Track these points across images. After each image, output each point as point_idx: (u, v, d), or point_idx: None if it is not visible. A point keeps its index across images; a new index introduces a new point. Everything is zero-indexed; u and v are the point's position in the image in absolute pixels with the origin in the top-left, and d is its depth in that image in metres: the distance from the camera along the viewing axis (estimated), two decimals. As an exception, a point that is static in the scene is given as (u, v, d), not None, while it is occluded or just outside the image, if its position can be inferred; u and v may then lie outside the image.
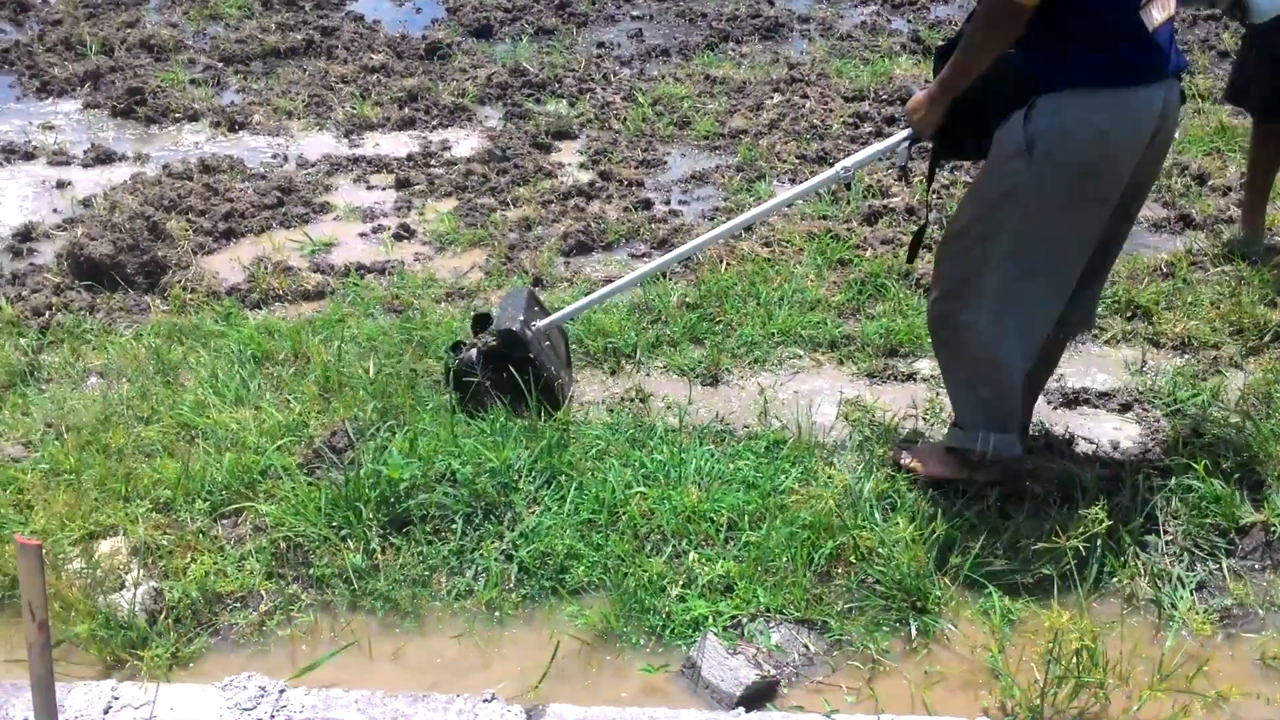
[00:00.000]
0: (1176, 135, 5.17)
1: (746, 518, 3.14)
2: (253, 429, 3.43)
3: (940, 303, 3.19)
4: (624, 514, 3.14)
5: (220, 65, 8.22)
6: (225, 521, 3.13)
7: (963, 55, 2.88)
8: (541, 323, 3.64)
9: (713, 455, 3.44)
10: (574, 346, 4.19)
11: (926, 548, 2.93)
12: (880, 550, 2.96)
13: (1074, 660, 2.51)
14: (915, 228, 4.64)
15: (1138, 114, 2.85)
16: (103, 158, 6.17)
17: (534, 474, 3.27)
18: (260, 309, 4.47)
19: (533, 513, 3.17)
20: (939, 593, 2.85)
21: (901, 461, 3.35)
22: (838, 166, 3.40)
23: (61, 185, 5.78)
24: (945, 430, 3.42)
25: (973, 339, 3.09)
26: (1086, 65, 2.80)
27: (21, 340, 4.06)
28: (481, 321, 3.68)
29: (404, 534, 3.07)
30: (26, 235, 5.05)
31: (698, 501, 3.17)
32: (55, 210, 5.44)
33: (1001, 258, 2.97)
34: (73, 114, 7.20)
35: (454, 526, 3.08)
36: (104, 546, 2.94)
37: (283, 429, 3.44)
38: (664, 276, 4.83)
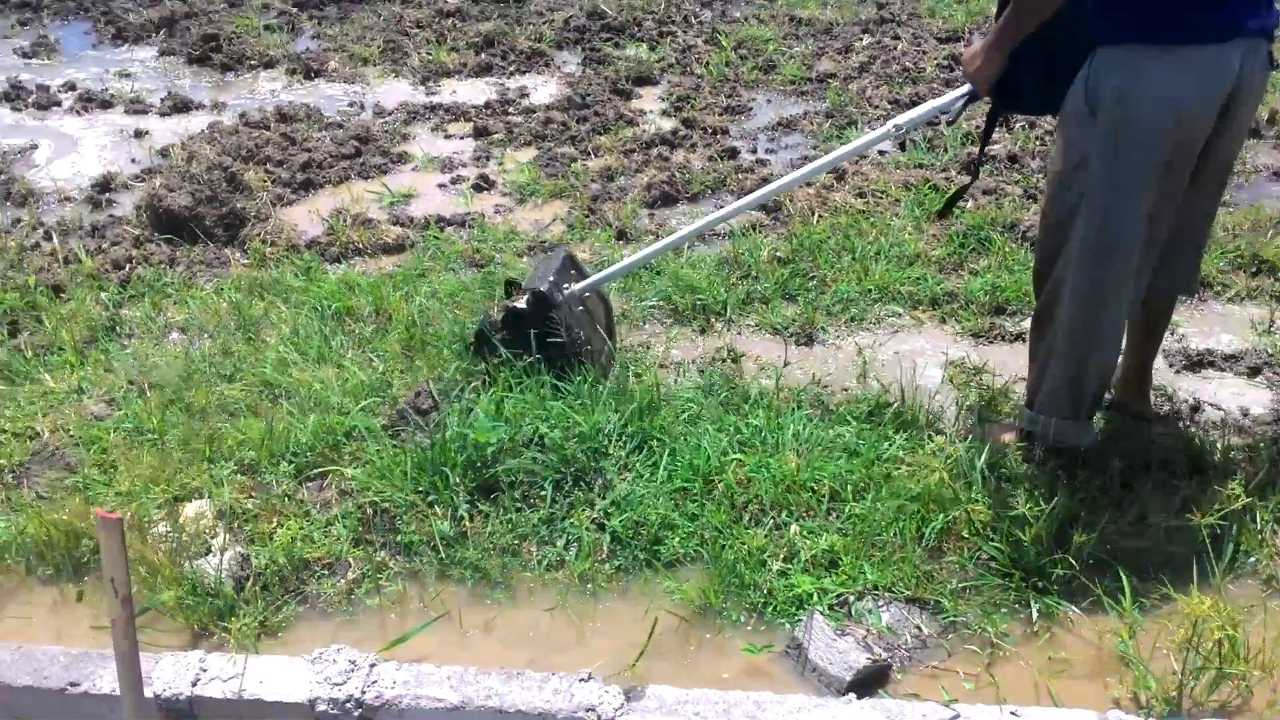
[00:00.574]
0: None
1: (849, 488, 2.99)
2: (336, 388, 3.35)
3: (1035, 280, 3.02)
4: (720, 482, 3.01)
5: (294, 10, 8.16)
6: (310, 485, 3.07)
7: (1017, 6, 2.65)
8: (577, 285, 3.47)
9: (811, 420, 3.28)
10: (661, 303, 4.05)
11: (1045, 523, 2.75)
12: (995, 525, 2.79)
13: (1215, 650, 2.33)
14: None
15: (1207, 76, 2.58)
16: (180, 106, 6.14)
17: (624, 439, 3.15)
18: (340, 263, 4.39)
19: (624, 479, 3.05)
20: (1061, 572, 2.67)
21: (991, 438, 3.17)
22: (890, 124, 3.17)
23: (139, 134, 5.76)
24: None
25: (1051, 321, 2.91)
26: (1148, 19, 2.55)
27: (103, 294, 4.03)
28: (512, 287, 3.53)
29: (492, 500, 2.98)
30: (105, 186, 5.04)
31: (797, 470, 3.03)
32: (134, 160, 5.42)
33: (1080, 239, 2.76)
34: (149, 61, 7.19)
35: (543, 493, 2.97)
36: (189, 510, 2.89)
37: (366, 389, 3.36)
38: (754, 229, 4.66)
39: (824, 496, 2.96)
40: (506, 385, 3.28)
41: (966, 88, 2.99)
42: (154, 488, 2.97)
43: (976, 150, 3.25)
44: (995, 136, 5.51)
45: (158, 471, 3.02)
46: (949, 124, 3.07)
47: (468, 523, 2.91)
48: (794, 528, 2.86)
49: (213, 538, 2.80)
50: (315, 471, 3.08)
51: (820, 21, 7.78)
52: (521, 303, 3.33)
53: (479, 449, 3.02)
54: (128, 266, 4.20)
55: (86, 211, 4.84)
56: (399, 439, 3.17)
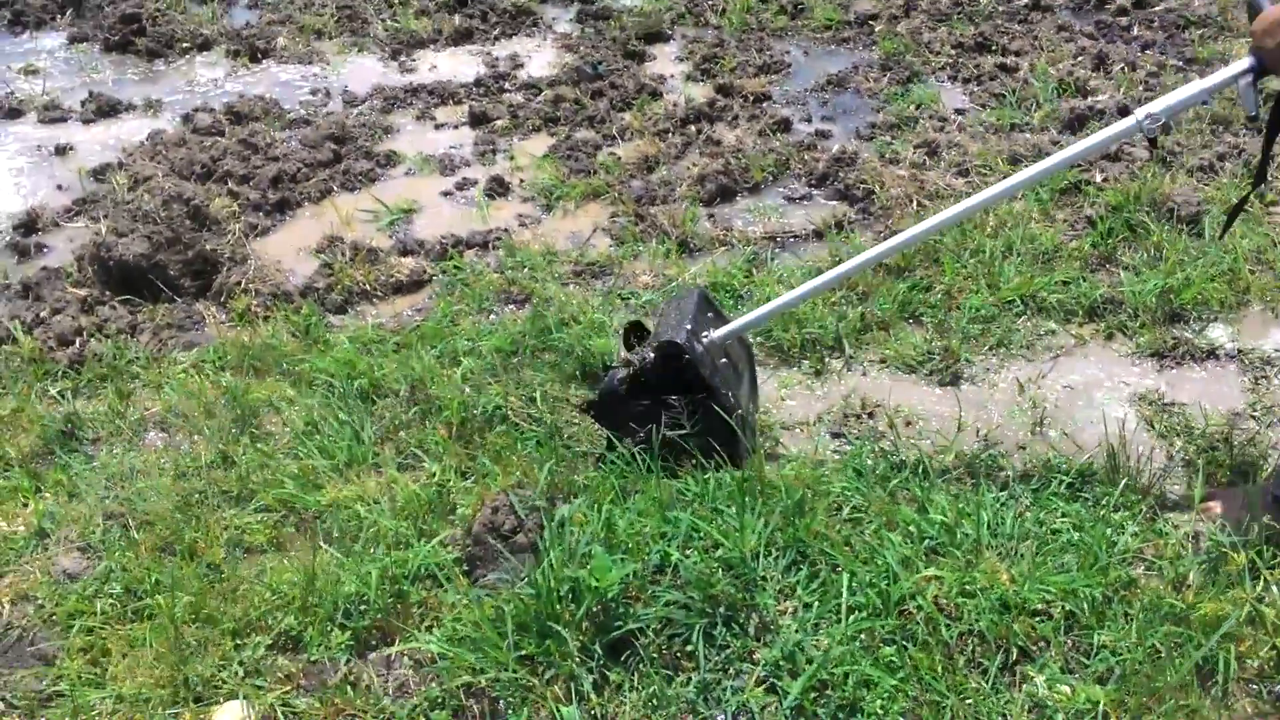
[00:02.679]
0: None
1: (1086, 606, 2.39)
2: (385, 508, 2.69)
3: None
4: (916, 611, 2.40)
5: (223, -25, 7.28)
6: (375, 659, 2.42)
7: None
8: (718, 332, 2.84)
9: (1001, 503, 2.68)
10: (760, 339, 3.42)
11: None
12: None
13: None
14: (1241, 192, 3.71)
15: None
16: (106, 110, 5.35)
17: (774, 555, 2.53)
18: (345, 312, 3.71)
19: (785, 614, 2.43)
20: None
21: (1206, 513, 2.60)
22: (1139, 113, 2.49)
23: (61, 151, 4.98)
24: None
25: None
26: None
27: (52, 386, 3.31)
28: (637, 332, 2.88)
29: (623, 663, 2.35)
30: (31, 227, 4.28)
31: (1010, 585, 2.43)
32: (60, 187, 4.65)
33: None
34: (58, 52, 6.35)
35: (690, 648, 2.35)
36: (221, 718, 2.24)
37: (422, 505, 2.71)
38: (838, 227, 4.03)
39: (1059, 623, 2.37)
40: (614, 490, 2.64)
41: (1244, 64, 2.35)
42: (163, 689, 2.31)
43: (1260, 151, 2.60)
44: (1093, 83, 4.90)
45: (167, 660, 2.35)
46: (1250, 118, 2.39)
47: (596, 701, 2.29)
48: (1039, 678, 2.26)
49: (261, 764, 2.15)
50: (378, 640, 2.43)
51: (840, -51, 7.07)
52: (639, 357, 2.69)
53: (598, 593, 2.38)
54: (78, 341, 3.48)
55: (11, 263, 4.08)
56: (481, 580, 2.53)
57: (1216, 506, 2.65)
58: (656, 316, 2.93)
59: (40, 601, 2.58)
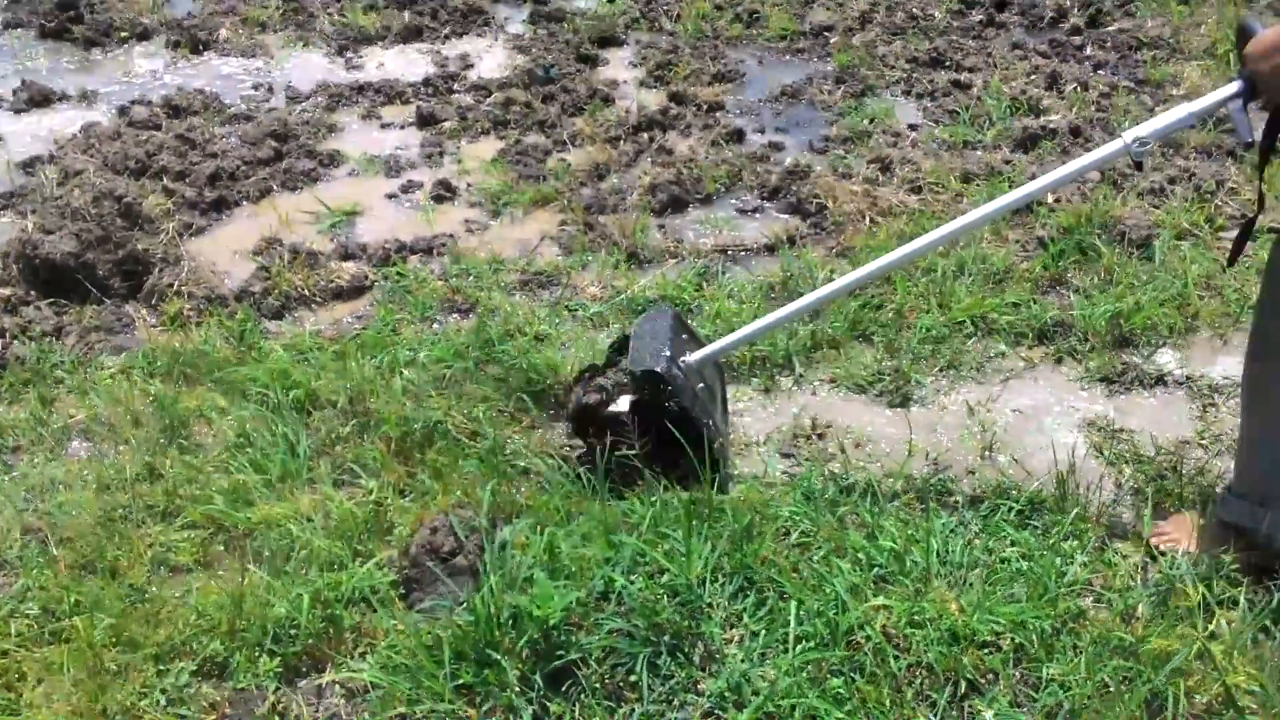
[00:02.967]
0: None
1: (1035, 638, 2.36)
2: (318, 527, 2.60)
3: (1253, 364, 2.43)
4: (865, 640, 2.36)
5: (165, -37, 7.10)
6: (304, 684, 2.33)
7: None
8: (694, 357, 2.79)
9: (951, 529, 2.66)
10: (709, 356, 3.37)
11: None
12: (1255, 690, 2.21)
13: None
14: (1244, 219, 3.70)
15: None
16: (38, 99, 5.18)
17: (721, 581, 2.48)
18: (282, 318, 3.60)
19: (731, 641, 2.39)
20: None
21: (1154, 541, 2.60)
22: (1127, 135, 2.47)
23: (-10, 141, 4.80)
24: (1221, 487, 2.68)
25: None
26: None
27: (-30, 390, 3.18)
28: (621, 349, 2.84)
29: (565, 694, 2.29)
30: (-45, 220, 4.12)
31: (959, 615, 2.40)
32: (-13, 179, 4.49)
33: None
34: (-10, 37, 6.14)
35: (634, 678, 2.29)
36: (140, 750, 2.14)
37: (359, 525, 2.63)
38: (792, 242, 4.00)
39: (1008, 655, 2.34)
40: (557, 511, 2.58)
41: (1233, 88, 2.34)
42: (81, 718, 2.20)
43: (1256, 176, 2.59)
44: (1045, 102, 4.92)
45: (85, 687, 2.25)
46: (1245, 147, 2.36)
47: (536, 733, 2.22)
48: (987, 714, 2.23)
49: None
50: (309, 667, 2.34)
51: (796, -42, 7.06)
52: (624, 404, 2.68)
53: (540, 621, 2.32)
54: (-1, 343, 3.34)
55: (-68, 259, 3.91)
56: (418, 605, 2.45)
57: (1169, 531, 2.65)
58: (631, 338, 2.87)
59: (-50, 622, 2.46)
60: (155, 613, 2.43)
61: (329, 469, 2.86)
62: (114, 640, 2.36)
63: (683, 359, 2.75)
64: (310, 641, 2.37)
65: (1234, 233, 3.43)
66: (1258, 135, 2.37)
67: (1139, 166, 2.55)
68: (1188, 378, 3.29)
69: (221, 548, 2.65)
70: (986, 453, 3.02)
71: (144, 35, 5.96)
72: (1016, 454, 3.00)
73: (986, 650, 2.36)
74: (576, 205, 4.19)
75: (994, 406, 3.22)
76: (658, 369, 2.64)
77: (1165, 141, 4.51)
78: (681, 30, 6.02)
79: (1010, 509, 2.72)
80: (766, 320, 2.84)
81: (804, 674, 2.30)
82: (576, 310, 3.56)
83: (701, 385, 2.79)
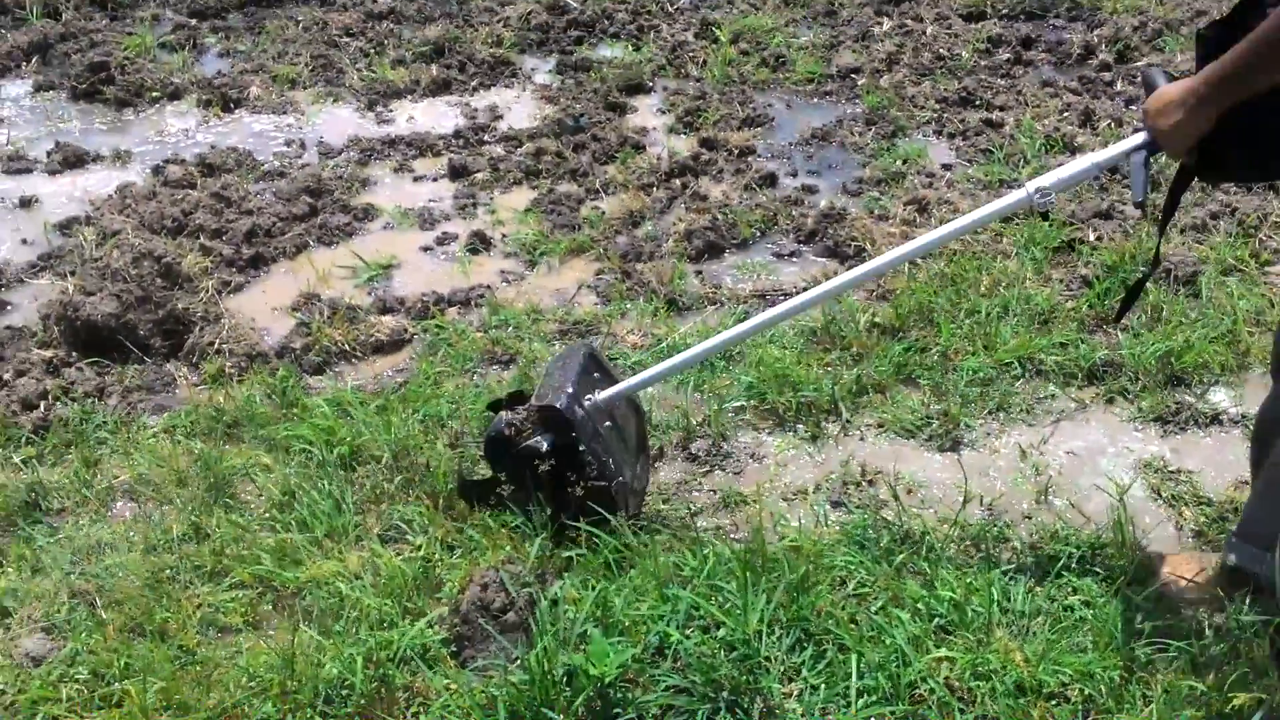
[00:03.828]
0: None
1: (1104, 689, 2.32)
2: (367, 585, 2.59)
3: (1272, 404, 2.43)
4: (928, 694, 2.32)
5: (192, 22, 7.28)
6: (358, 747, 2.31)
7: (1260, 48, 1.97)
8: (602, 395, 2.78)
9: (1010, 577, 2.62)
10: (754, 403, 3.36)
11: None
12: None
13: None
14: (1136, 275, 3.71)
15: None
16: (72, 160, 5.25)
17: (777, 634, 2.45)
18: (323, 373, 3.61)
19: (790, 696, 2.35)
20: None
21: (1174, 570, 2.59)
22: (1030, 186, 2.45)
23: (26, 204, 4.87)
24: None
25: None
26: None
27: (15, 453, 3.19)
28: (515, 399, 2.85)
29: (622, 753, 2.25)
30: (-6, 282, 4.17)
31: (1024, 666, 2.35)
32: (25, 241, 4.54)
33: None
34: (23, 99, 6.25)
35: (692, 736, 2.26)
36: (194, 817, 2.12)
37: (408, 583, 2.61)
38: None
39: (1077, 706, 2.29)
40: (606, 564, 2.56)
41: (1138, 139, 2.31)
42: (137, 784, 2.19)
43: (1157, 231, 2.56)
44: (1079, 139, 4.91)
45: (138, 753, 2.23)
46: (1137, 204, 2.35)
47: (595, 794, 2.19)
48: (1060, 769, 2.19)
49: None
50: (363, 728, 2.32)
51: (819, 1, 7.12)
52: (542, 442, 2.67)
53: (596, 679, 2.29)
54: (42, 405, 3.37)
55: (-27, 321, 3.97)
56: (471, 663, 2.43)
57: (1182, 567, 2.62)
58: (541, 375, 2.89)
59: (1, 688, 2.45)
60: (206, 675, 2.42)
61: (375, 525, 2.85)
62: (165, 704, 2.35)
63: (588, 397, 2.74)
64: (363, 702, 2.35)
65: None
66: (1158, 193, 2.34)
67: (1044, 216, 2.55)
68: (1243, 416, 3.25)
69: (270, 607, 2.64)
70: (1042, 497, 2.99)
71: (175, 95, 6.04)
72: (1072, 498, 2.97)
73: (1054, 702, 2.32)
74: (613, 253, 4.20)
75: (1046, 449, 3.18)
76: (556, 405, 2.64)
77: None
78: (708, 76, 6.06)
79: (1071, 555, 2.68)
80: (678, 358, 2.83)
81: (868, 729, 2.27)
82: (617, 359, 3.56)
83: (608, 424, 2.78)
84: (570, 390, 2.69)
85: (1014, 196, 2.50)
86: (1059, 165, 4.45)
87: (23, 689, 2.43)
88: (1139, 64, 5.94)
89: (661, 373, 2.85)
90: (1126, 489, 2.90)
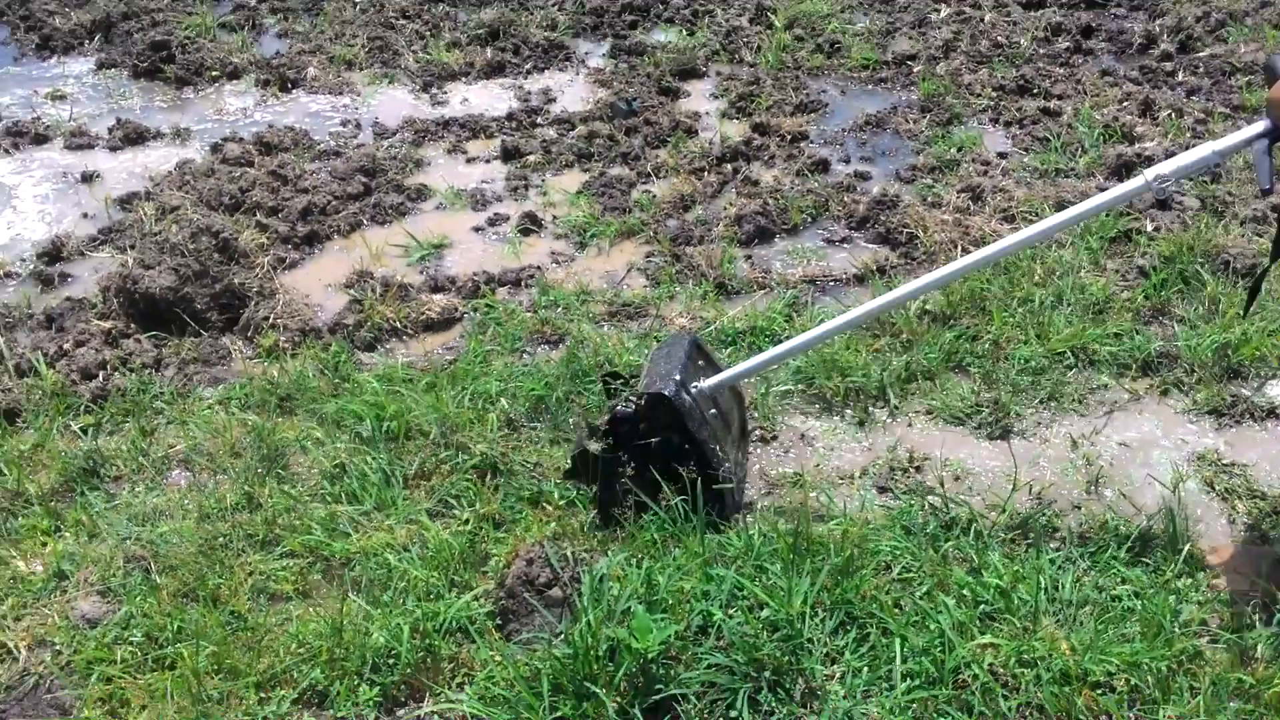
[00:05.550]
0: None
1: (1151, 679, 2.30)
2: (415, 557, 2.62)
3: None
4: (972, 679, 2.31)
5: (252, 3, 7.37)
6: (403, 714, 2.34)
7: None
8: (708, 382, 2.78)
9: (1058, 566, 2.60)
10: (800, 387, 3.35)
11: None
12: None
13: None
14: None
15: None
16: (133, 137, 5.34)
17: (821, 616, 2.45)
18: (374, 349, 3.65)
19: (833, 678, 2.35)
20: None
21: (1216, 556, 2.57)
22: (1149, 173, 2.42)
23: (88, 179, 4.96)
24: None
25: None
26: None
27: (74, 421, 3.26)
28: (615, 381, 2.86)
29: (664, 729, 2.27)
30: (55, 255, 4.25)
31: (1071, 655, 2.34)
32: (86, 215, 4.63)
33: None
34: (85, 77, 6.37)
35: (734, 714, 2.27)
36: (244, 777, 2.16)
37: (455, 556, 2.64)
38: (880, 272, 3.97)
39: (1123, 696, 2.27)
40: (651, 542, 2.57)
41: (1260, 127, 2.28)
42: (188, 743, 2.24)
43: (1276, 224, 2.52)
44: (1139, 129, 4.84)
45: (188, 714, 2.29)
46: (1264, 192, 2.31)
47: (636, 768, 2.20)
48: (1107, 759, 2.17)
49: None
50: (407, 697, 2.35)
51: (876, -12, 7.06)
52: (628, 406, 2.66)
53: (638, 654, 2.31)
54: (100, 375, 3.44)
55: (35, 293, 4.05)
56: (515, 636, 2.45)
57: (1225, 555, 2.60)
58: (646, 364, 2.89)
59: (58, 647, 2.52)
60: (256, 641, 2.47)
61: (424, 499, 2.89)
62: (216, 668, 2.40)
63: (694, 384, 2.74)
64: (409, 671, 2.38)
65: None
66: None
67: (1163, 204, 2.51)
68: (1301, 409, 3.20)
69: (320, 577, 2.68)
70: (1092, 487, 2.96)
71: (234, 74, 6.12)
72: (1124, 489, 2.94)
73: (1100, 691, 2.30)
74: (663, 237, 4.20)
75: (1098, 439, 3.15)
76: (665, 392, 2.64)
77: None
78: (762, 62, 6.03)
79: (1121, 545, 2.66)
80: (784, 347, 2.83)
81: (909, 713, 2.26)
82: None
83: (714, 412, 2.78)
84: (678, 377, 2.69)
85: (1133, 184, 2.47)
86: (1117, 155, 4.42)
87: (79, 649, 2.49)
88: (1202, 54, 5.84)
89: (766, 361, 2.86)
90: (1181, 480, 2.86)
